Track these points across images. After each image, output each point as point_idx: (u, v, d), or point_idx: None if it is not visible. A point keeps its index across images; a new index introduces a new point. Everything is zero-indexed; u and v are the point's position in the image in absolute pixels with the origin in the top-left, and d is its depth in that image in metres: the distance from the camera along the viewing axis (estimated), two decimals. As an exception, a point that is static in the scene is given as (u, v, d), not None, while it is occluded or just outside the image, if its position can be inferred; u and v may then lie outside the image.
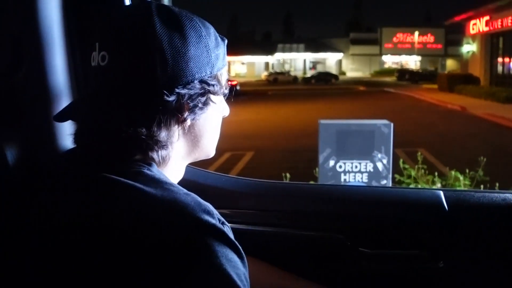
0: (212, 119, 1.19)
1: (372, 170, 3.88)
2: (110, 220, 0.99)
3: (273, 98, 34.56)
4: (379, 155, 3.84)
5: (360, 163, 3.87)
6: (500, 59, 33.71)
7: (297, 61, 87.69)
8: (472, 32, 36.40)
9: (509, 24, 30.77)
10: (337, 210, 1.77)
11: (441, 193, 1.75)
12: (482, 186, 5.36)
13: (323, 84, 56.79)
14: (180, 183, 1.76)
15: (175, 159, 1.17)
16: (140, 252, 0.94)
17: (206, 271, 0.93)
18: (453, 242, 1.68)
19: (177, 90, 1.06)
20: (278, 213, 1.79)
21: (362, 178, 3.91)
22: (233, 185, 1.85)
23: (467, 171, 5.40)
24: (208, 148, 1.23)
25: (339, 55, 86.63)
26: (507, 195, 1.74)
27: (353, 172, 3.90)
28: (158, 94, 1.05)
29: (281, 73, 68.49)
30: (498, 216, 1.69)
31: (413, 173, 5.31)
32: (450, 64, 79.39)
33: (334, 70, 78.73)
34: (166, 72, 1.05)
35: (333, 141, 3.82)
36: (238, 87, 36.17)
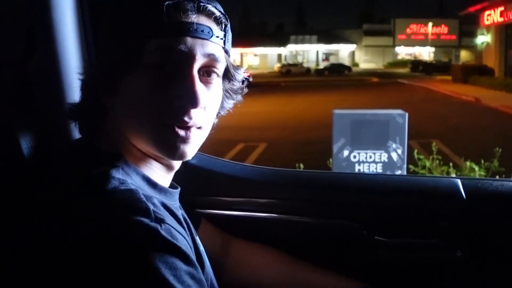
0: None
1: (386, 160, 3.86)
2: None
3: (286, 90, 34.39)
4: (394, 145, 3.82)
5: (374, 153, 3.85)
6: (514, 50, 33.38)
7: (310, 52, 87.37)
8: (486, 23, 36.02)
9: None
10: (353, 198, 1.75)
11: (459, 181, 1.73)
12: (497, 177, 5.31)
13: (336, 75, 56.42)
14: (196, 171, 1.77)
15: None
16: (67, 251, 0.91)
17: (136, 276, 0.88)
18: (471, 231, 1.66)
19: None
20: (293, 202, 1.77)
21: (376, 168, 3.89)
22: (249, 174, 1.84)
23: (482, 161, 5.36)
24: None
25: (352, 47, 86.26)
26: None
27: (368, 162, 3.88)
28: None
29: (294, 65, 68.17)
30: None
31: (427, 163, 5.28)
32: (464, 55, 78.75)
33: (347, 62, 78.33)
34: None
35: (347, 131, 3.80)
36: (251, 79, 35.89)
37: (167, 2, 1.02)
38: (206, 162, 1.82)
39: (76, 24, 1.46)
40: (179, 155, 1.09)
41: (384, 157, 3.84)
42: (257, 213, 1.78)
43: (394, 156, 3.85)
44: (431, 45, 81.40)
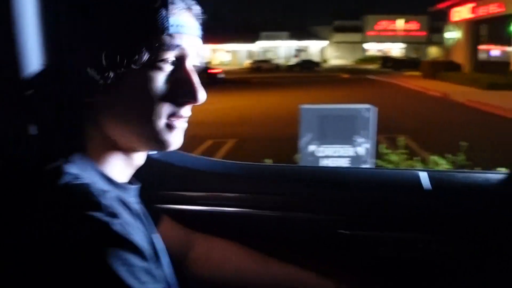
0: None
1: (353, 155, 3.84)
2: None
3: (256, 86, 34.42)
4: (361, 140, 3.80)
5: (341, 148, 3.82)
6: (482, 46, 33.86)
7: (281, 49, 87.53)
8: (455, 19, 36.48)
9: (493, 11, 30.85)
10: (318, 192, 1.73)
11: (426, 173, 1.71)
12: (464, 171, 5.33)
13: (307, 71, 56.67)
14: (158, 165, 1.73)
15: None
16: (18, 249, 0.88)
17: (89, 273, 0.85)
18: (437, 223, 1.64)
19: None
20: (258, 196, 1.74)
21: (343, 163, 3.87)
22: (212, 167, 1.80)
23: (447, 155, 5.39)
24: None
25: (322, 43, 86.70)
26: (489, 175, 1.71)
27: (334, 157, 3.85)
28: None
29: (265, 61, 68.28)
30: (482, 196, 1.65)
31: (394, 158, 5.29)
32: (434, 51, 79.52)
33: (317, 58, 78.71)
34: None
35: (314, 126, 3.77)
36: (222, 75, 36.06)
37: (162, 1, 1.04)
38: (169, 156, 1.77)
39: (38, 15, 1.40)
40: (174, 146, 1.13)
41: (351, 152, 3.82)
42: (222, 208, 1.74)
43: (361, 151, 3.83)
44: (401, 42, 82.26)
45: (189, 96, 1.11)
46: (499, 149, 10.75)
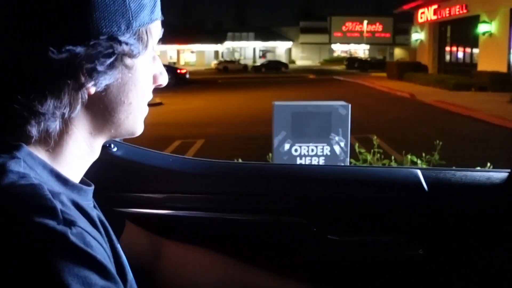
0: (130, 88, 0.93)
1: (329, 153, 3.70)
2: None
3: (223, 87, 34.36)
4: (337, 138, 3.66)
5: (316, 147, 3.67)
6: (448, 48, 34.30)
7: (247, 49, 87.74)
8: (420, 20, 36.84)
9: (457, 13, 31.23)
10: (300, 192, 1.55)
11: (419, 171, 1.55)
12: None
13: (274, 72, 56.84)
14: (122, 164, 1.53)
15: (77, 136, 0.93)
16: None
17: None
18: (433, 226, 1.48)
19: (68, 48, 0.82)
20: (233, 196, 1.56)
21: (318, 162, 3.71)
22: (181, 166, 1.61)
23: (423, 154, 5.30)
24: (128, 124, 0.97)
25: (289, 44, 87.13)
26: (492, 173, 1.55)
27: (310, 156, 3.70)
28: (42, 50, 0.81)
29: (231, 62, 68.49)
30: (483, 196, 1.50)
31: (369, 157, 5.17)
32: (398, 52, 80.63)
33: (284, 59, 79.10)
34: (54, 23, 0.82)
35: (288, 123, 3.62)
36: (187, 76, 35.97)
37: None
38: (133, 154, 1.58)
39: None
40: (141, 131, 1.03)
41: (327, 150, 3.67)
42: (192, 211, 1.56)
43: (337, 149, 3.69)
44: (366, 43, 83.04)
45: (163, 79, 1.02)
46: (468, 147, 10.79)
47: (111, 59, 0.87)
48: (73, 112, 0.87)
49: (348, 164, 3.87)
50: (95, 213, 0.95)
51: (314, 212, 1.51)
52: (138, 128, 1.00)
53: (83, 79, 0.85)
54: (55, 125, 0.87)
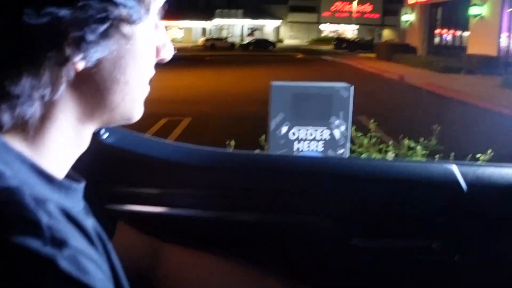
0: (127, 63, 0.74)
1: (328, 138, 3.50)
2: None
3: (211, 64, 34.12)
4: (337, 122, 3.46)
5: (316, 130, 3.47)
6: (437, 30, 34.25)
7: (235, 27, 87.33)
8: (411, 2, 36.70)
9: (447, -5, 31.12)
10: (320, 188, 1.35)
11: (455, 167, 1.35)
12: (437, 156, 5.12)
13: (261, 50, 56.68)
14: (114, 153, 1.33)
15: (62, 122, 0.72)
16: None
17: None
18: (472, 230, 1.30)
19: (49, 10, 0.62)
20: (244, 192, 1.36)
21: (317, 147, 3.52)
22: (185, 156, 1.39)
23: (421, 139, 5.14)
24: (125, 107, 0.78)
25: (277, 22, 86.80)
26: None
27: (308, 140, 3.50)
28: (14, 12, 0.60)
29: (219, 39, 68.28)
30: None
31: (365, 141, 5.00)
32: (387, 34, 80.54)
33: (272, 37, 78.88)
34: None
35: (287, 105, 3.41)
36: (175, 52, 35.73)
37: None
38: (127, 141, 1.36)
39: None
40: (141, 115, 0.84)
41: (326, 134, 3.47)
42: (196, 209, 1.35)
43: (337, 133, 3.49)
44: (355, 23, 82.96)
45: (168, 52, 0.85)
46: (463, 132, 10.69)
47: (105, 26, 0.67)
48: (55, 93, 0.67)
49: (349, 149, 3.67)
50: (90, 222, 0.75)
51: (335, 212, 1.32)
52: (136, 113, 0.81)
53: (68, 51, 0.65)
54: (33, 110, 0.66)
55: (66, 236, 0.60)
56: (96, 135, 1.28)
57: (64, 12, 0.63)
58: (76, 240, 0.62)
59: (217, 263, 1.29)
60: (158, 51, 0.81)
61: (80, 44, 0.65)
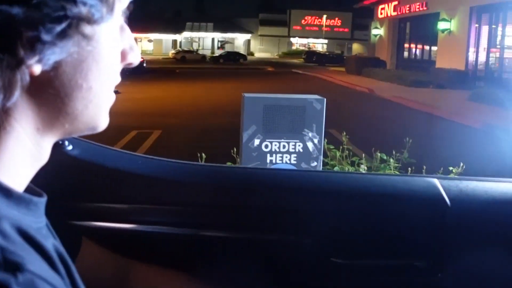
0: (89, 67, 0.67)
1: (301, 150, 3.45)
2: None
3: (181, 76, 34.04)
4: (310, 134, 3.41)
5: (288, 143, 3.42)
6: (407, 44, 34.67)
7: (206, 40, 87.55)
8: (380, 16, 37.12)
9: (417, 10, 31.55)
10: (297, 204, 1.29)
11: (437, 181, 1.30)
12: (410, 170, 5.10)
13: (232, 63, 56.77)
14: (79, 166, 1.25)
15: (18, 132, 0.64)
16: None
17: None
18: (456, 247, 1.24)
19: (0, 7, 0.56)
20: (216, 209, 1.29)
21: (290, 160, 3.46)
22: (154, 170, 1.31)
23: (393, 152, 5.12)
24: (89, 116, 0.70)
25: (248, 36, 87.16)
26: None
27: (281, 153, 3.45)
28: None
29: (189, 52, 68.28)
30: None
31: (338, 154, 4.96)
32: (356, 47, 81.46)
33: (242, 50, 79.13)
34: None
35: (259, 117, 3.35)
36: (145, 64, 35.62)
37: None
38: (93, 153, 1.28)
39: None
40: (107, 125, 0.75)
41: (299, 147, 3.42)
42: (165, 226, 1.27)
43: (310, 146, 3.44)
44: (325, 37, 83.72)
45: (135, 56, 0.75)
46: (433, 145, 10.74)
47: (62, 26, 0.60)
48: (9, 100, 0.59)
49: (321, 163, 3.62)
50: (51, 242, 0.67)
51: (313, 229, 1.25)
52: (101, 122, 0.73)
53: (22, 53, 0.58)
54: None
55: (21, 259, 0.53)
56: (59, 146, 1.20)
57: (16, 10, 0.56)
58: (33, 263, 0.55)
59: (187, 282, 1.22)
60: (124, 55, 0.74)
61: (35, 45, 0.58)
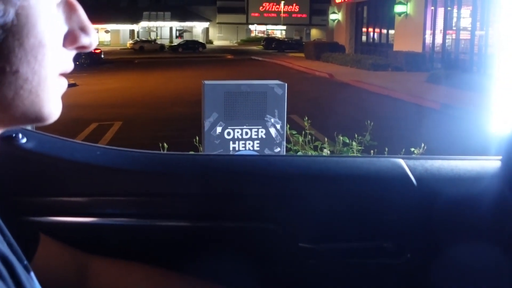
0: (11, 46, 0.56)
1: (264, 136, 3.42)
2: None
3: (140, 67, 33.62)
4: (273, 120, 3.39)
5: (251, 129, 3.39)
6: (364, 28, 34.78)
7: (164, 29, 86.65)
8: (337, 1, 37.15)
9: (373, -7, 31.68)
10: (262, 189, 1.26)
11: (402, 161, 1.28)
12: (372, 152, 5.12)
13: (191, 52, 56.40)
14: (34, 159, 1.20)
15: None
16: None
17: None
18: (424, 226, 1.23)
19: None
20: (182, 198, 1.25)
21: (253, 146, 3.44)
22: (113, 160, 1.27)
23: (355, 135, 5.13)
24: (24, 105, 0.59)
25: (206, 24, 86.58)
26: (484, 162, 1.31)
27: (244, 140, 3.42)
28: None
29: (147, 41, 67.65)
30: (478, 189, 1.26)
31: (301, 139, 4.95)
32: (315, 33, 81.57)
33: (201, 39, 78.59)
34: None
35: (220, 104, 3.31)
36: (102, 56, 35.18)
37: None
38: (49, 146, 1.23)
39: None
40: (56, 116, 0.64)
41: (262, 133, 3.40)
42: (126, 218, 1.23)
43: (273, 131, 3.42)
44: (283, 24, 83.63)
45: (92, 39, 0.65)
46: (393, 126, 10.84)
47: None
48: None
49: (285, 148, 3.61)
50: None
51: (280, 215, 1.23)
52: (46, 111, 0.62)
53: None
54: None
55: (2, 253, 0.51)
56: (12, 139, 1.15)
57: None
58: None
59: (150, 274, 1.18)
60: (74, 37, 0.63)
61: None
